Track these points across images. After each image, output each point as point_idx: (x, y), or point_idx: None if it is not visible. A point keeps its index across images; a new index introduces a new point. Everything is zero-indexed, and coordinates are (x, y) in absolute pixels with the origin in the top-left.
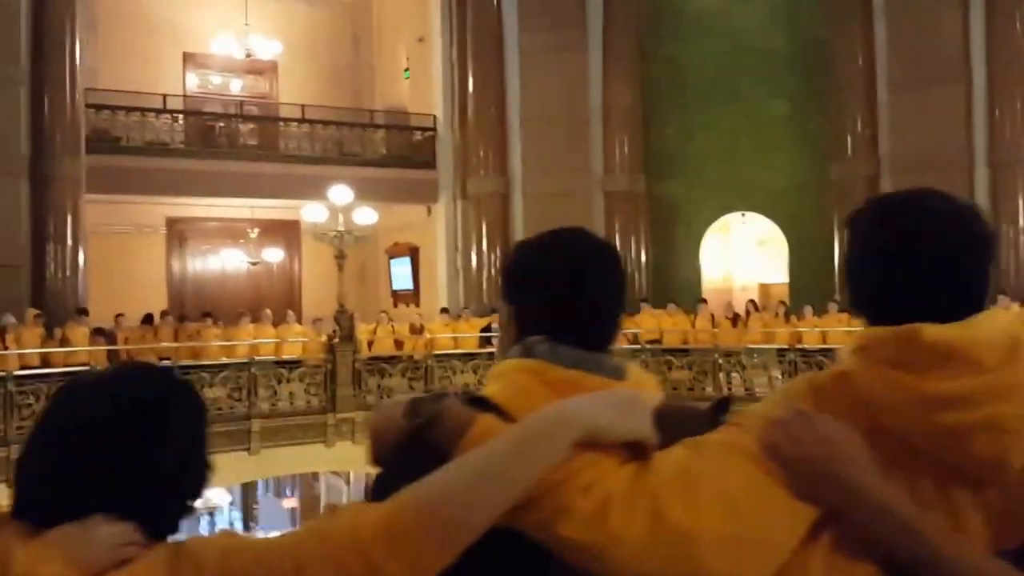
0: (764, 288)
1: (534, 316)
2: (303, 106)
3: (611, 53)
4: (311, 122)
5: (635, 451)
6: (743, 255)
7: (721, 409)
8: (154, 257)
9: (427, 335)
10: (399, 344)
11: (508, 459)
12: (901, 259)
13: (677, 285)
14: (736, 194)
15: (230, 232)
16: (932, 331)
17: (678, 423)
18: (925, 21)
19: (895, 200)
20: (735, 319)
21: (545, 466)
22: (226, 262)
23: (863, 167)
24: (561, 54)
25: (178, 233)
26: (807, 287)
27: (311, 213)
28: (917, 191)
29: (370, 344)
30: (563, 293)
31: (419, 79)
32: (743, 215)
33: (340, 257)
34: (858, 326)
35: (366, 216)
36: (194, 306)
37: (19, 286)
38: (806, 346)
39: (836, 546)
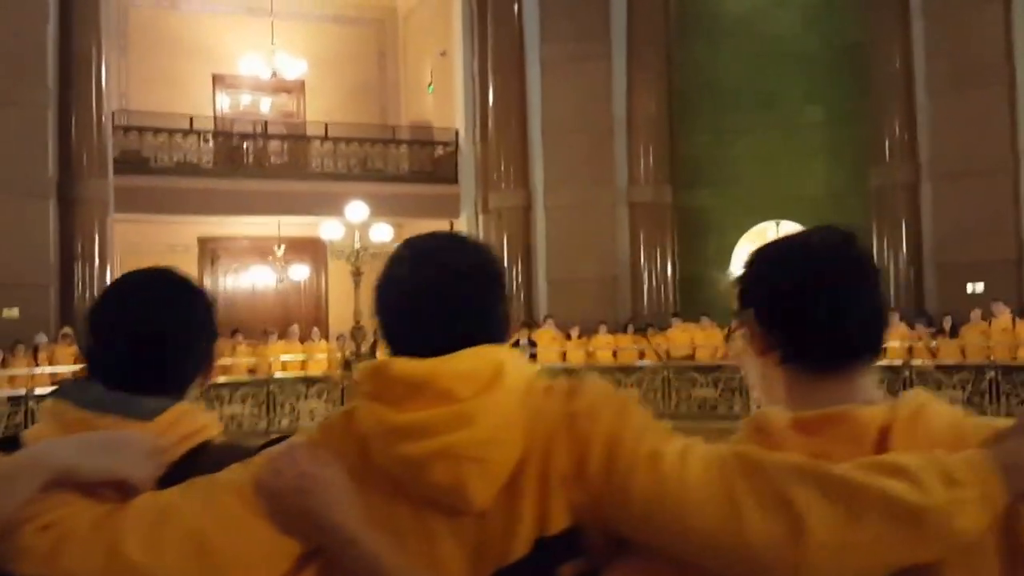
0: None
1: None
2: (326, 124)
3: (635, 62)
4: (334, 140)
5: (127, 491)
6: None
7: (272, 445)
8: None
9: None
10: None
11: None
12: (387, 295)
13: (708, 298)
14: (770, 203)
15: (259, 250)
16: (401, 364)
17: (223, 462)
18: (964, 20)
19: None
20: None
21: (10, 506)
22: (255, 280)
23: (902, 173)
24: (583, 64)
25: (210, 252)
26: None
27: (328, 230)
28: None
29: None
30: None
31: (442, 94)
32: (777, 224)
33: (357, 274)
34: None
35: (382, 233)
36: (225, 324)
37: (48, 306)
38: None
39: None
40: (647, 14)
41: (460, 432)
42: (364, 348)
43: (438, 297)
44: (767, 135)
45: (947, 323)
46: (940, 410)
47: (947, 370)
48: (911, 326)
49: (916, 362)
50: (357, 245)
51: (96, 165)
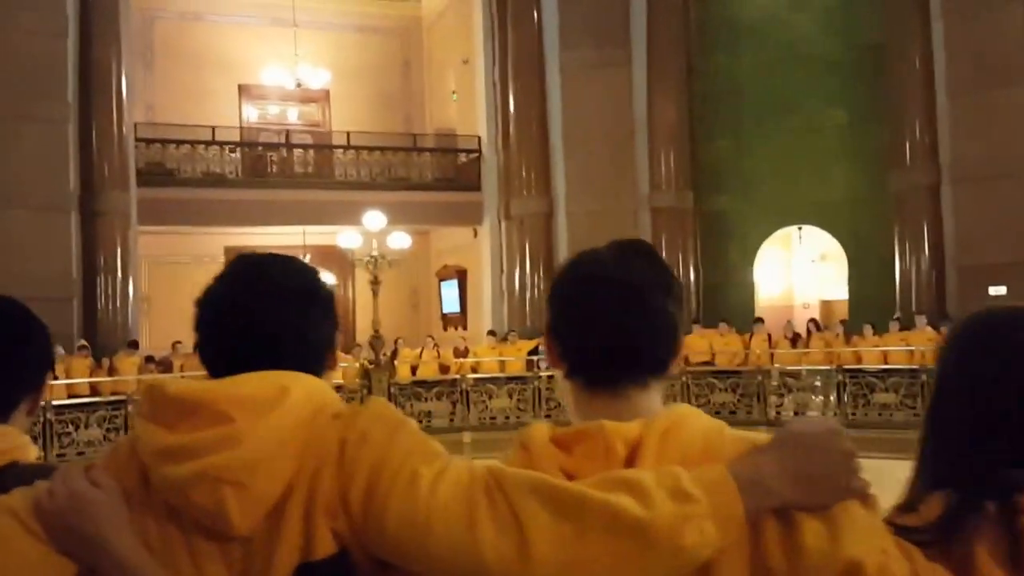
0: (826, 305)
1: None
2: (348, 132)
3: (655, 67)
4: (356, 148)
5: None
6: (804, 271)
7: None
8: None
9: (472, 358)
10: (444, 368)
11: None
12: (202, 310)
13: (730, 304)
14: (791, 207)
15: None
16: (176, 385)
17: (27, 482)
18: (985, 21)
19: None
20: (795, 339)
21: None
22: None
23: (923, 176)
24: (603, 70)
25: None
26: (867, 303)
27: (346, 239)
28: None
29: (415, 369)
30: None
31: (465, 101)
32: (799, 229)
33: (375, 282)
34: (917, 344)
35: (400, 241)
36: None
37: (70, 318)
38: (865, 367)
39: None
40: (666, 20)
41: (222, 454)
42: (383, 357)
43: (247, 317)
44: (788, 139)
45: None
46: (697, 424)
47: None
48: (936, 329)
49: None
50: (375, 253)
51: (118, 178)
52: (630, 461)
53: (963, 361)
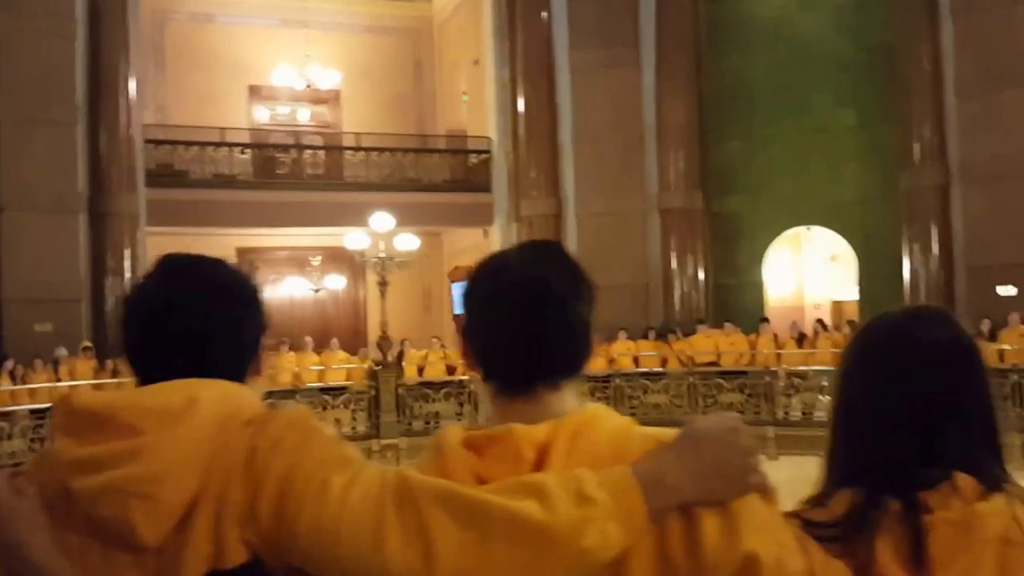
0: (837, 305)
1: None
2: (357, 134)
3: (665, 68)
4: (367, 150)
5: None
6: (815, 271)
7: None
8: None
9: None
10: (451, 369)
11: None
12: (127, 310)
13: (740, 304)
14: (801, 208)
15: (297, 261)
16: (83, 396)
17: None
18: (994, 21)
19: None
20: (801, 339)
21: None
22: (294, 290)
23: (932, 176)
24: (613, 71)
25: (248, 263)
26: (878, 304)
27: (353, 240)
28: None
29: (421, 370)
30: None
31: (476, 102)
32: (808, 229)
33: (383, 284)
34: None
35: (408, 242)
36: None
37: (78, 320)
38: None
39: None
40: (676, 20)
41: (128, 467)
42: (391, 358)
43: (176, 315)
44: (798, 140)
45: (985, 326)
46: (606, 424)
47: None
48: None
49: None
50: (382, 254)
51: (126, 180)
52: (539, 464)
53: (865, 361)
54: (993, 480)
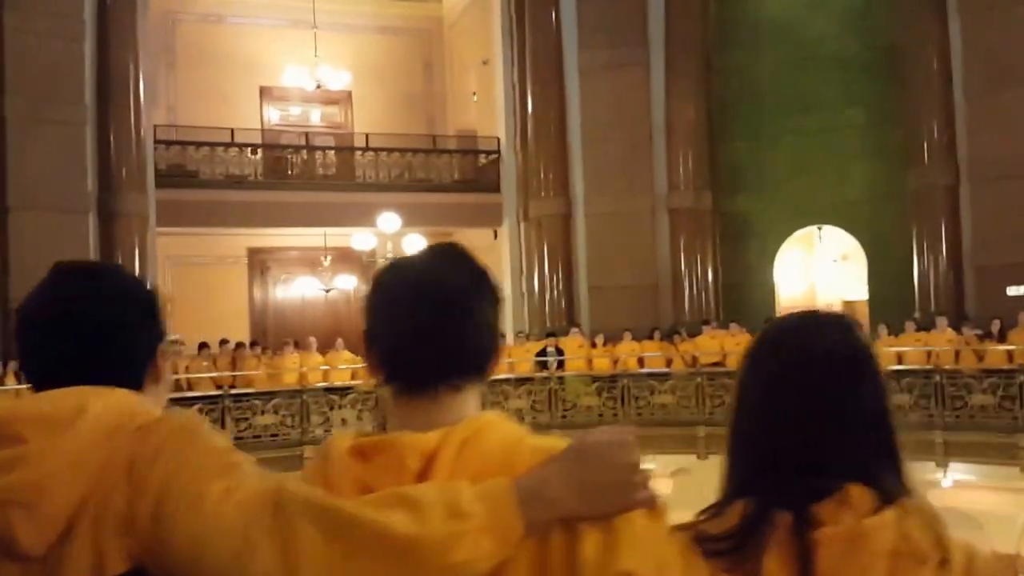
0: (848, 305)
1: None
2: (367, 134)
3: (674, 68)
4: (375, 150)
5: None
6: (826, 271)
7: None
8: (237, 287)
9: None
10: None
11: None
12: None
13: (750, 304)
14: (811, 207)
15: (308, 261)
16: None
17: None
18: (1002, 19)
19: None
20: None
21: None
22: (305, 290)
23: (940, 175)
24: (621, 71)
25: (259, 263)
26: (887, 303)
27: (359, 240)
28: None
29: None
30: None
31: (485, 102)
32: (819, 229)
33: None
34: (935, 345)
35: (415, 243)
36: (276, 334)
37: None
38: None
39: None
40: (684, 20)
41: (10, 476)
42: None
43: (73, 323)
44: (807, 139)
45: (995, 327)
46: (497, 434)
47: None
48: (957, 330)
49: (947, 366)
50: (390, 255)
51: (135, 179)
52: (424, 474)
53: (755, 368)
54: (888, 492)
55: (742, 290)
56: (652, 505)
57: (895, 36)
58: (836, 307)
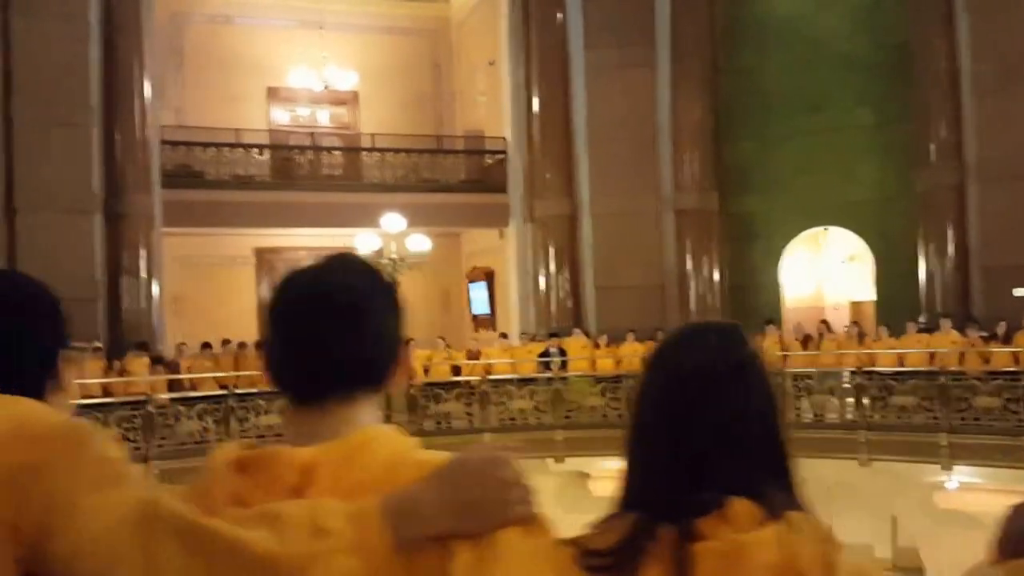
0: (856, 306)
1: None
2: (373, 135)
3: (680, 68)
4: (381, 151)
5: None
6: (834, 272)
7: None
8: (244, 287)
9: (484, 360)
10: (457, 370)
11: None
12: None
13: (756, 305)
14: (818, 208)
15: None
16: None
17: None
18: (1011, 17)
19: None
20: (806, 341)
21: None
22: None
23: (948, 175)
24: (628, 71)
25: (267, 263)
26: (894, 305)
27: (363, 241)
28: None
29: (427, 370)
30: None
31: (493, 102)
32: (825, 230)
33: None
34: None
35: (420, 243)
36: None
37: (95, 319)
38: (880, 368)
39: None
40: (691, 19)
41: None
42: None
43: None
44: (815, 139)
45: (1001, 328)
46: (383, 449)
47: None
48: (962, 332)
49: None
50: (394, 255)
51: (141, 180)
52: (301, 489)
53: (644, 382)
54: (774, 506)
55: (748, 291)
56: (531, 521)
57: (903, 35)
58: (843, 308)
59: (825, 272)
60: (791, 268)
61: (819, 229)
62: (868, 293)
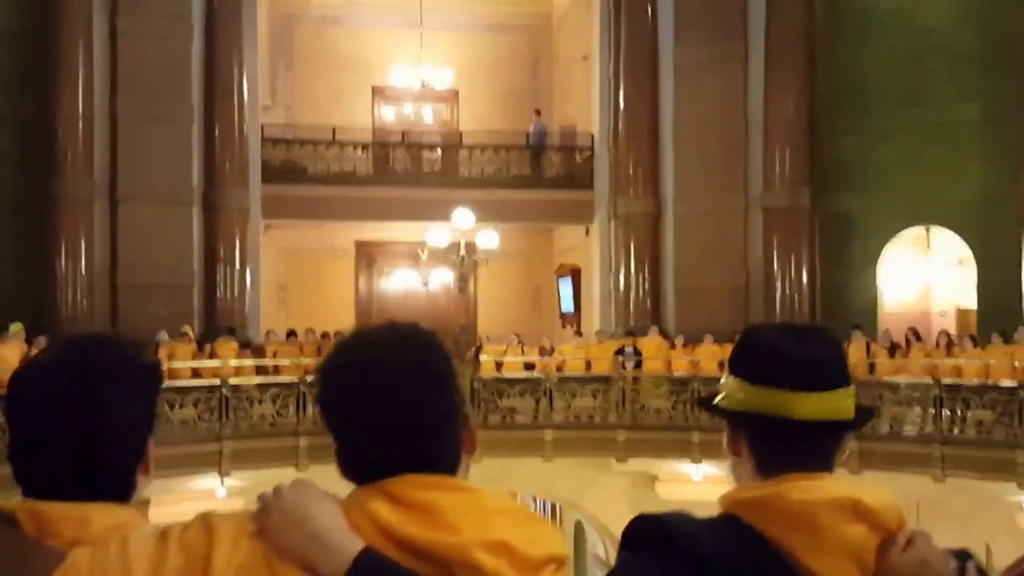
0: (963, 313)
1: None
2: (460, 132)
3: (774, 61)
4: (469, 148)
5: None
6: (941, 275)
7: None
8: (344, 277)
9: (557, 356)
10: (530, 366)
11: None
12: None
13: (850, 308)
14: (919, 207)
15: (410, 254)
16: None
17: None
18: None
19: None
20: (893, 349)
21: None
22: (407, 283)
23: None
24: (719, 66)
25: (366, 255)
26: (995, 313)
27: (433, 236)
28: None
29: (499, 365)
30: None
31: (585, 98)
32: (927, 230)
33: (462, 280)
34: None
35: (489, 240)
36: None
37: (190, 304)
38: (962, 381)
39: None
40: (788, 11)
41: None
42: (468, 354)
43: None
44: (917, 135)
45: None
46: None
47: None
48: None
49: None
50: (463, 253)
51: (238, 175)
52: None
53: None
54: None
55: (841, 293)
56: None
57: (1015, 26)
58: (950, 314)
59: (932, 275)
60: (893, 270)
61: (921, 230)
62: (974, 300)
